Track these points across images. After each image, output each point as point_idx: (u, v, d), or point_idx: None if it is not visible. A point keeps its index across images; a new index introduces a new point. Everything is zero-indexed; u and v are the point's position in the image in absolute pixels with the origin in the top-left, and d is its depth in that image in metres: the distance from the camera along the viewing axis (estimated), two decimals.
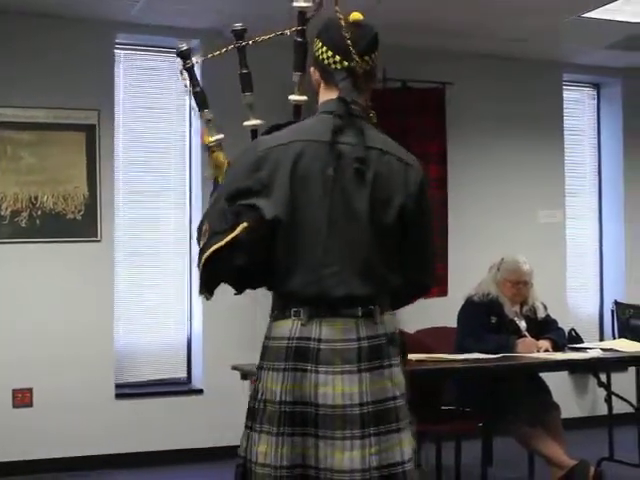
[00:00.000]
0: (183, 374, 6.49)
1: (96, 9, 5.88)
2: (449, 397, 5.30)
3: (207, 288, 2.46)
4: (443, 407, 5.31)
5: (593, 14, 6.08)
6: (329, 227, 2.38)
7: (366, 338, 2.38)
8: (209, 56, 2.79)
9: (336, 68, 2.48)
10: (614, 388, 5.73)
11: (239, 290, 2.51)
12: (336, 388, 2.34)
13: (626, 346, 5.38)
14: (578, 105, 7.91)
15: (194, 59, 2.80)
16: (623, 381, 5.83)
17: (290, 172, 2.38)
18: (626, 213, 7.73)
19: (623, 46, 6.90)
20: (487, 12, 6.03)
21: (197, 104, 2.77)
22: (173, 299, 6.48)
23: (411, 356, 4.82)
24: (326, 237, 2.38)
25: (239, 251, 2.36)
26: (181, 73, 2.84)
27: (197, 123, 6.41)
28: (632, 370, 5.75)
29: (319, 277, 2.37)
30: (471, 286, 5.36)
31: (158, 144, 6.47)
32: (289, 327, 2.40)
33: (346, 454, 2.32)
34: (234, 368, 4.64)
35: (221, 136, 2.75)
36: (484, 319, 5.16)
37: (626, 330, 5.95)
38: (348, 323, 2.38)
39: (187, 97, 6.49)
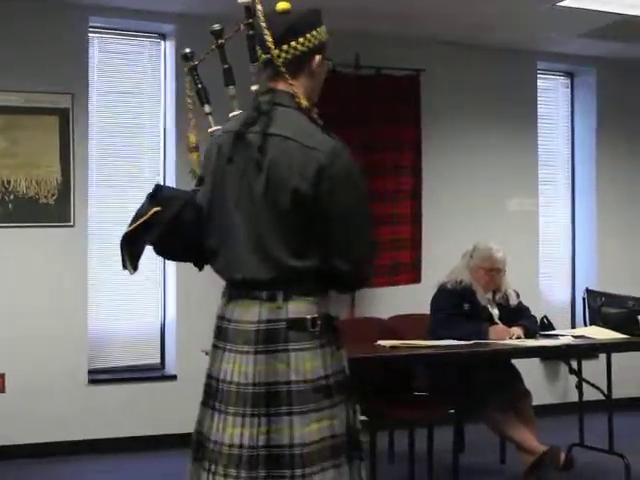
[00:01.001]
0: (157, 360, 6.48)
1: None
2: (422, 383, 5.33)
3: (130, 263, 2.69)
4: (416, 393, 5.35)
5: (567, 3, 6.10)
6: (236, 213, 2.53)
7: (265, 321, 2.46)
8: (201, 59, 2.83)
9: (261, 61, 2.60)
10: (585, 375, 5.78)
11: (198, 267, 2.77)
12: (235, 366, 2.48)
13: (597, 333, 5.41)
14: (552, 93, 7.95)
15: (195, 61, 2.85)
16: (594, 368, 5.88)
17: (214, 162, 2.62)
18: (598, 202, 7.79)
19: (597, 35, 6.93)
20: (462, 0, 6.04)
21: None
22: (147, 285, 6.44)
23: (384, 342, 4.88)
24: (234, 223, 2.54)
25: (150, 232, 2.61)
26: (187, 75, 2.88)
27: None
28: (603, 357, 5.81)
29: (228, 261, 2.56)
30: (444, 273, 5.39)
31: (132, 128, 6.44)
32: (219, 306, 2.62)
33: (236, 430, 2.44)
34: (207, 353, 4.62)
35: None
36: (457, 306, 5.19)
37: (597, 318, 5.96)
38: (252, 305, 2.49)
39: (163, 87, 6.49)
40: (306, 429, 2.42)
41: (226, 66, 2.82)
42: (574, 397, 6.00)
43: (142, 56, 6.50)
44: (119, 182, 6.38)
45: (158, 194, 2.65)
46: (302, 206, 2.44)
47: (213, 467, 2.49)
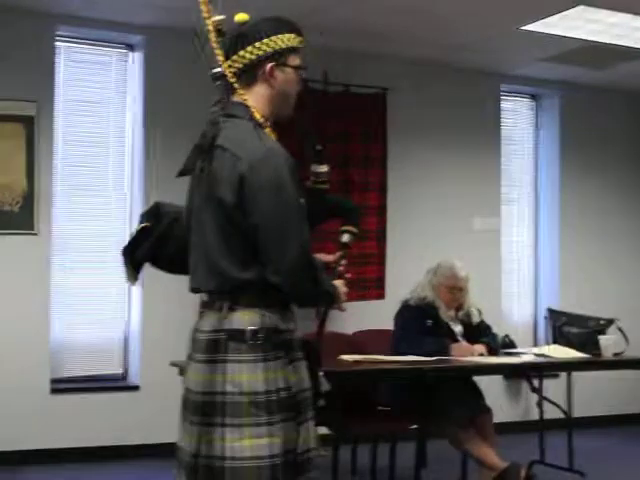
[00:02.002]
0: (120, 370, 6.43)
1: (38, 1, 5.81)
2: (384, 398, 5.33)
3: (131, 275, 2.83)
4: (379, 408, 5.35)
5: (531, 27, 6.18)
6: (193, 225, 2.58)
7: (211, 331, 2.49)
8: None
9: (210, 75, 2.61)
10: (546, 394, 5.84)
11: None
12: (192, 375, 2.52)
13: (558, 352, 5.46)
14: (516, 115, 8.03)
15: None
16: (555, 387, 5.95)
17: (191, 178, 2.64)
18: (561, 222, 7.87)
19: (561, 60, 7.03)
20: (429, 20, 6.10)
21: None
22: (110, 294, 6.40)
23: (348, 357, 4.88)
24: (191, 235, 2.60)
25: (141, 246, 2.75)
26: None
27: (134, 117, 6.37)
28: (564, 376, 5.86)
29: (190, 272, 2.62)
30: (408, 289, 5.41)
31: (98, 138, 6.40)
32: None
33: (186, 437, 2.49)
34: (172, 364, 4.61)
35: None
36: (420, 322, 5.20)
37: (559, 337, 6.03)
38: (208, 316, 2.53)
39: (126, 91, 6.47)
40: (237, 443, 2.38)
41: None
42: (535, 415, 6.05)
43: (109, 66, 6.48)
44: (84, 191, 6.33)
45: (152, 211, 2.77)
46: (229, 216, 2.43)
47: (182, 476, 2.52)
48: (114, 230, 6.40)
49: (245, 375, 2.41)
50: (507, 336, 6.93)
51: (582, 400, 6.20)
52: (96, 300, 6.35)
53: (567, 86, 7.85)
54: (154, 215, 2.77)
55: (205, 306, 2.56)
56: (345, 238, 2.81)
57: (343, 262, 2.77)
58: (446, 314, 5.30)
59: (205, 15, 2.60)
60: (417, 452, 5.19)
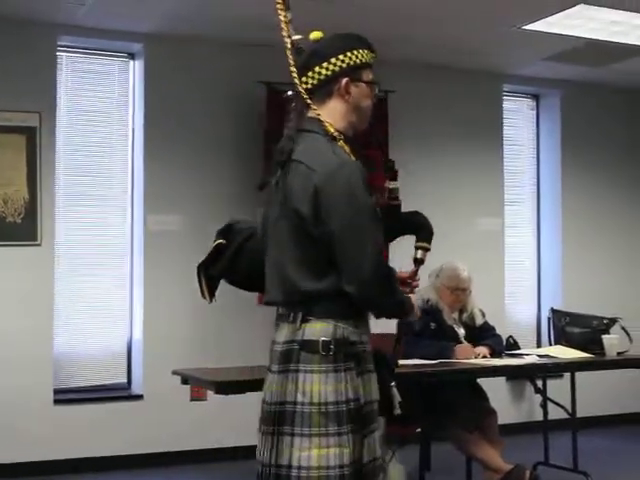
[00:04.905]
0: (123, 379, 6.44)
1: (40, 11, 5.84)
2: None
3: (207, 293, 2.86)
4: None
5: (533, 26, 6.18)
6: (268, 239, 2.62)
7: (286, 342, 2.52)
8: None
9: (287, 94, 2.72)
10: (550, 394, 5.84)
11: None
12: (266, 386, 2.57)
13: (562, 353, 5.45)
14: (518, 115, 8.04)
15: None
16: (559, 387, 5.94)
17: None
18: (563, 222, 7.87)
19: (562, 58, 7.03)
20: (428, 23, 6.11)
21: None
22: (113, 304, 6.43)
23: None
24: (266, 249, 2.64)
25: (215, 264, 2.81)
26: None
27: (138, 127, 6.39)
28: (568, 376, 5.86)
29: (265, 286, 2.64)
30: None
31: (100, 148, 6.44)
32: None
33: (262, 447, 2.52)
34: (174, 373, 4.62)
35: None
36: (423, 325, 5.21)
37: (562, 337, 6.03)
38: (283, 327, 2.55)
39: (130, 101, 6.49)
40: (306, 452, 2.42)
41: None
42: (539, 416, 6.04)
43: (111, 75, 6.50)
44: (86, 201, 6.36)
45: (227, 228, 2.85)
46: (306, 228, 2.47)
47: None
48: (117, 240, 6.44)
49: (316, 385, 2.45)
50: (511, 337, 6.95)
51: (586, 400, 6.19)
52: (99, 310, 6.38)
53: (568, 85, 7.85)
54: (229, 232, 2.83)
55: (280, 319, 2.59)
56: (419, 254, 2.90)
57: (417, 278, 2.85)
58: (449, 316, 5.31)
59: (285, 34, 2.64)
60: (421, 455, 5.19)
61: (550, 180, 8.00)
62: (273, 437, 2.47)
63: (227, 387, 4.27)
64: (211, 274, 2.83)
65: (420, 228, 2.95)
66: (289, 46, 2.62)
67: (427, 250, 2.90)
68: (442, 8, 5.83)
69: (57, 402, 6.02)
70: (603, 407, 7.60)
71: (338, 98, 2.61)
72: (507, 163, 7.78)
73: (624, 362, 5.63)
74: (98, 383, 6.35)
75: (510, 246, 7.76)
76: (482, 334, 5.39)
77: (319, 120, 2.57)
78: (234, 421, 6.18)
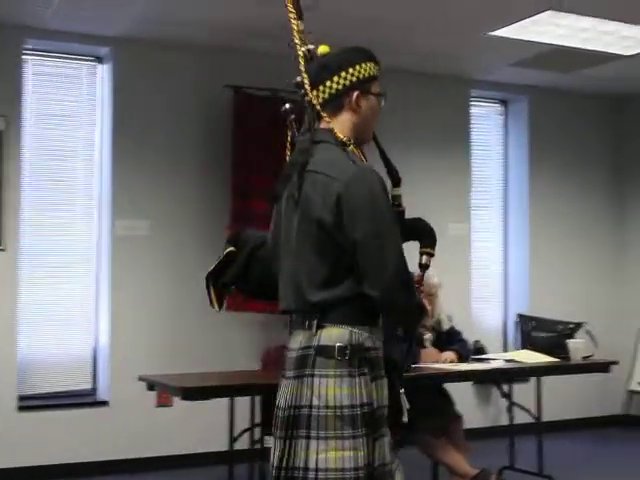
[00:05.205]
0: (88, 385, 6.39)
1: (6, 14, 5.80)
2: None
3: (216, 301, 2.86)
4: None
5: (501, 32, 6.21)
6: (283, 249, 2.68)
7: (302, 348, 2.56)
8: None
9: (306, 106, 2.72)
10: (516, 399, 5.87)
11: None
12: (282, 391, 2.61)
13: (528, 357, 5.49)
14: (486, 120, 8.07)
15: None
16: (525, 392, 5.98)
17: (280, 203, 2.76)
18: (530, 227, 7.92)
19: (530, 64, 7.07)
20: (397, 29, 6.13)
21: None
22: (79, 309, 6.38)
23: None
24: (281, 258, 2.70)
25: (226, 272, 2.84)
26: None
27: (106, 129, 6.36)
28: (533, 381, 5.90)
29: (280, 294, 2.70)
30: None
31: (67, 152, 6.39)
32: None
33: (274, 452, 2.57)
34: (140, 379, 4.61)
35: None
36: (390, 331, 5.20)
37: (528, 341, 6.08)
38: (297, 334, 2.60)
39: (99, 105, 6.46)
40: (322, 455, 2.47)
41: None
42: (505, 420, 6.09)
43: (78, 79, 6.46)
44: (52, 206, 6.32)
45: (236, 236, 2.91)
46: (328, 235, 2.53)
47: None
48: (83, 245, 6.40)
49: (331, 389, 2.50)
50: (477, 342, 6.98)
51: (552, 404, 6.24)
52: (64, 316, 6.32)
53: (536, 91, 7.90)
54: (238, 240, 2.88)
55: (294, 326, 2.63)
56: (424, 259, 2.91)
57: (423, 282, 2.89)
58: None
59: (298, 43, 2.74)
60: None
61: (517, 185, 8.04)
62: (286, 441, 2.53)
63: (193, 393, 4.26)
64: (223, 282, 2.86)
65: (424, 234, 2.98)
66: (301, 55, 2.71)
67: (431, 255, 2.93)
68: (411, 14, 5.85)
69: (21, 409, 5.96)
70: (569, 411, 7.66)
71: (349, 111, 2.70)
72: (475, 168, 7.82)
73: (589, 366, 5.69)
74: (63, 389, 6.28)
75: (477, 251, 7.79)
76: (449, 339, 5.41)
77: (331, 131, 2.66)
78: (200, 427, 6.17)
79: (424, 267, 2.90)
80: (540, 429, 5.76)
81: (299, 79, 2.76)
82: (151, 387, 4.58)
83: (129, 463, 6.09)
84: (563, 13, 5.81)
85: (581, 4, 5.66)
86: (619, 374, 7.24)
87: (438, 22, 6.04)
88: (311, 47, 2.75)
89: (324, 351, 2.52)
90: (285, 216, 2.68)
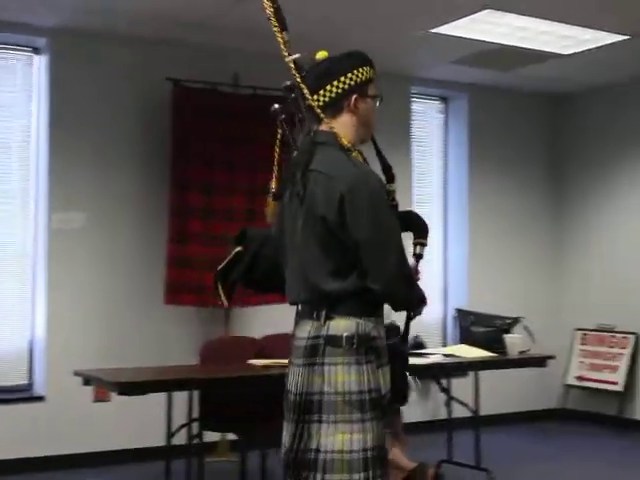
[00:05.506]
0: (24, 380, 6.30)
1: None
2: None
3: (224, 296, 3.06)
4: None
5: (440, 30, 6.26)
6: (289, 244, 2.84)
7: (311, 338, 2.72)
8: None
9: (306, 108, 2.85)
10: (454, 393, 5.92)
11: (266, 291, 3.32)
12: (292, 377, 2.76)
13: (466, 352, 5.53)
14: (426, 117, 8.12)
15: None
16: (463, 386, 6.02)
17: (283, 202, 2.92)
18: (470, 223, 7.99)
19: (470, 62, 7.13)
20: (335, 25, 6.12)
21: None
22: (14, 303, 6.29)
23: (257, 362, 4.87)
24: (288, 253, 2.85)
25: (235, 269, 3.04)
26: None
27: None
28: (471, 376, 5.95)
29: (287, 287, 2.87)
30: None
31: (1, 143, 6.28)
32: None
33: (285, 434, 2.75)
34: (76, 374, 4.55)
35: None
36: None
37: (467, 336, 6.13)
38: (305, 324, 2.75)
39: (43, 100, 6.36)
40: (330, 437, 2.64)
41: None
42: (444, 414, 6.13)
43: (14, 70, 6.36)
44: None
45: (241, 236, 3.06)
46: (332, 233, 2.68)
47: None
48: (18, 238, 6.30)
49: (340, 376, 2.66)
50: (417, 337, 7.02)
51: (489, 398, 6.30)
52: None
53: (476, 88, 7.97)
54: (244, 238, 3.05)
55: (301, 316, 2.79)
56: (418, 250, 3.06)
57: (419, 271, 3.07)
58: None
59: (285, 54, 2.88)
60: None
61: (457, 181, 8.11)
62: (298, 425, 2.69)
63: (130, 388, 4.22)
64: (233, 279, 3.05)
65: (416, 226, 3.11)
66: (292, 65, 2.84)
67: (424, 245, 3.10)
68: (350, 11, 5.86)
69: None
70: (506, 405, 7.75)
71: (348, 113, 2.84)
72: (416, 164, 7.86)
73: (525, 361, 5.75)
74: None
75: None
76: (387, 333, 5.41)
77: (333, 133, 2.78)
78: (138, 422, 6.11)
79: (418, 257, 3.07)
80: (478, 423, 5.81)
81: (288, 83, 2.90)
82: (87, 382, 4.53)
83: (66, 459, 6.01)
84: (500, 12, 5.87)
85: (519, 3, 5.72)
86: (556, 369, 7.35)
87: (376, 19, 6.05)
88: (297, 56, 2.87)
89: (333, 340, 2.67)
90: (289, 213, 2.83)
